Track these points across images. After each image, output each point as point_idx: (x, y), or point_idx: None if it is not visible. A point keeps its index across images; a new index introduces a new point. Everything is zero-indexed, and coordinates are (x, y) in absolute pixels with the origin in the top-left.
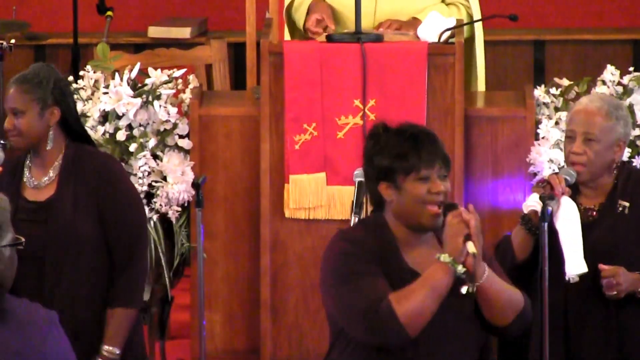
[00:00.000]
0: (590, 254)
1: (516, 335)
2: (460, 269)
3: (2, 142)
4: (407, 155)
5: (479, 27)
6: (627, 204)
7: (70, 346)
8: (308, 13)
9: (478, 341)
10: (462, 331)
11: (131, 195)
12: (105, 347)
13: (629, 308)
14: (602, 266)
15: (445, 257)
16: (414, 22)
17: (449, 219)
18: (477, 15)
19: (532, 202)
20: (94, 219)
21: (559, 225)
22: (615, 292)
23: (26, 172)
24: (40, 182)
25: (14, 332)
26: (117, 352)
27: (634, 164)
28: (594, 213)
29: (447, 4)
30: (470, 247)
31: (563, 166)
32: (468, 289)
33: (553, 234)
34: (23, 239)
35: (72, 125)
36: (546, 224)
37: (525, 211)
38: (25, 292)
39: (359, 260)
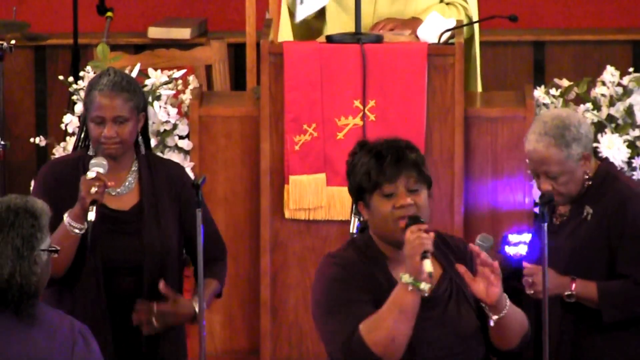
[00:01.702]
0: (553, 259)
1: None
2: (423, 286)
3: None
4: (369, 173)
5: (476, 28)
6: (590, 210)
7: (102, 357)
8: None
9: (477, 357)
10: (461, 349)
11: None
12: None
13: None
14: (525, 264)
15: (406, 278)
16: (413, 22)
17: (407, 236)
18: (475, 16)
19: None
20: (177, 225)
21: None
22: (532, 291)
23: None
24: (121, 190)
25: (43, 338)
26: (196, 307)
27: (633, 165)
28: (565, 218)
29: (447, 3)
30: (427, 266)
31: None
32: (499, 321)
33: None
34: (58, 247)
35: (145, 130)
36: (546, 224)
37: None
38: (123, 304)
39: (349, 287)
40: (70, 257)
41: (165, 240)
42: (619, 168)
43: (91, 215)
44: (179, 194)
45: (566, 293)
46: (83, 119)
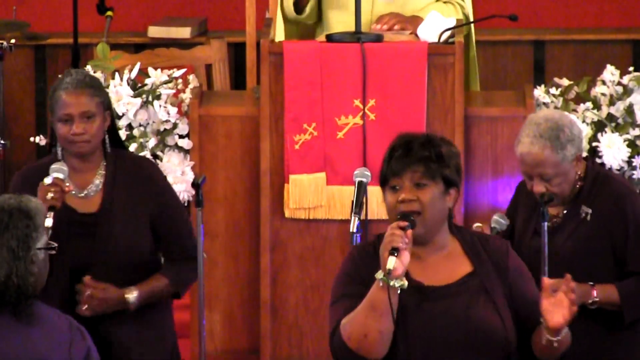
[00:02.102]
0: (552, 261)
1: None
2: (393, 283)
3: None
4: (382, 166)
5: (471, 27)
6: (589, 211)
7: (99, 358)
8: None
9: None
10: (461, 344)
11: (176, 195)
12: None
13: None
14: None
15: (378, 274)
16: (414, 19)
17: (386, 232)
18: (471, 14)
19: None
20: (147, 226)
21: None
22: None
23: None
24: (88, 192)
25: (41, 337)
26: (135, 295)
27: (633, 164)
28: (559, 220)
29: (444, 2)
30: (390, 262)
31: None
32: (552, 343)
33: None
34: (56, 244)
35: (113, 130)
36: (546, 224)
37: None
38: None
39: (351, 281)
40: None
41: (131, 241)
42: (619, 167)
43: (48, 222)
44: (151, 192)
45: (590, 301)
46: (51, 124)
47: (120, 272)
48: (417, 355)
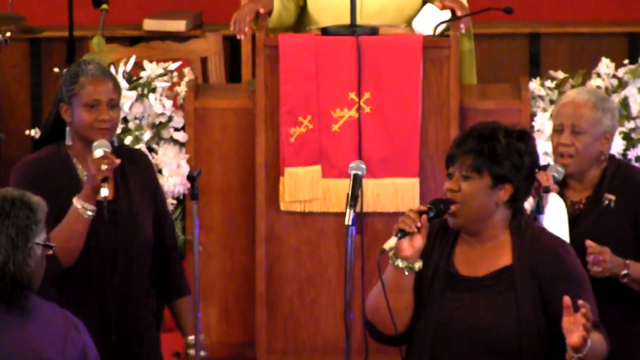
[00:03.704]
0: (575, 248)
1: None
2: (399, 263)
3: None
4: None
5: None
6: (612, 198)
7: (95, 350)
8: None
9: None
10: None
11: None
12: (191, 338)
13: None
14: (589, 242)
15: (390, 251)
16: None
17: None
18: (467, 6)
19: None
20: (151, 213)
21: (546, 222)
22: (600, 269)
23: (79, 170)
24: None
25: (36, 331)
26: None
27: (628, 157)
28: (581, 206)
29: None
30: (390, 242)
31: (548, 164)
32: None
33: None
34: (54, 245)
35: None
36: (542, 216)
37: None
38: (93, 295)
39: None
40: (83, 242)
41: (147, 226)
42: (624, 159)
43: (104, 192)
44: (151, 181)
45: (622, 273)
46: (56, 112)
47: (141, 257)
48: (427, 341)
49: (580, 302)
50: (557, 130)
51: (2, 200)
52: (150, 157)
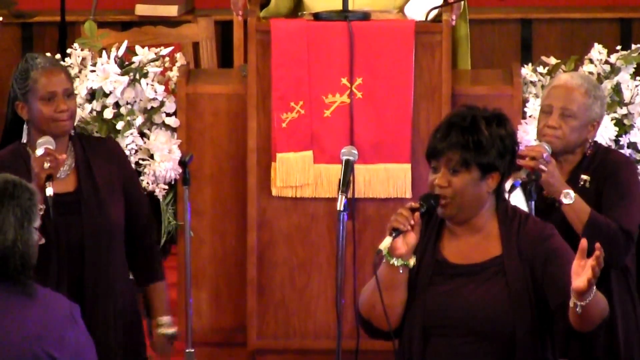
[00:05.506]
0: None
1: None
2: (393, 261)
3: None
4: (428, 142)
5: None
6: (587, 178)
7: (90, 338)
8: None
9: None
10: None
11: (135, 173)
12: (164, 318)
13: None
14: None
15: (384, 250)
16: None
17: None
18: None
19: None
20: (121, 201)
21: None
22: (545, 169)
23: None
24: (61, 173)
25: (38, 313)
26: (171, 319)
27: (620, 143)
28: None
29: None
30: (385, 242)
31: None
32: (576, 306)
33: None
34: (43, 239)
35: None
36: (533, 202)
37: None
38: (66, 284)
39: None
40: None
41: (113, 213)
42: (606, 146)
43: (49, 191)
44: (119, 165)
45: (565, 191)
46: (12, 112)
47: (109, 244)
48: (417, 326)
49: (597, 244)
50: (546, 112)
51: (4, 182)
52: (120, 147)
